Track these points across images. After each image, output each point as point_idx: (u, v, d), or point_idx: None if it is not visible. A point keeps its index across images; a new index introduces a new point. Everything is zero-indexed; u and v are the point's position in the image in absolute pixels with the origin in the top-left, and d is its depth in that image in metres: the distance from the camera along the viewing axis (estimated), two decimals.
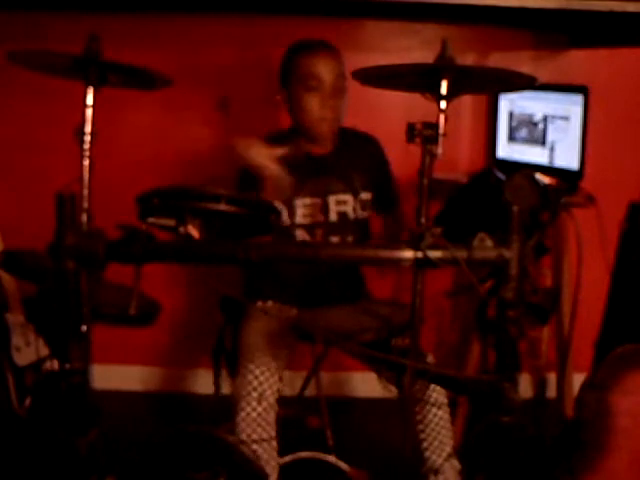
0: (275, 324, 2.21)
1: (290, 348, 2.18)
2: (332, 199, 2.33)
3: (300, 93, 2.26)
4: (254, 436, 2.04)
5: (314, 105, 2.25)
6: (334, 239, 2.33)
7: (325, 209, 2.33)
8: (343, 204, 2.35)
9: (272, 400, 2.08)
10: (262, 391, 2.06)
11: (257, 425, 2.05)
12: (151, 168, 2.93)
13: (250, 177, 2.02)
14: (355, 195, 2.36)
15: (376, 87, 1.79)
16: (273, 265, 2.31)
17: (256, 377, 2.07)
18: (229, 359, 2.29)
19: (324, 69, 2.24)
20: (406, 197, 2.86)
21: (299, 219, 2.31)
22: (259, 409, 2.05)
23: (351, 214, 2.36)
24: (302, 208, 2.31)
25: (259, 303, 2.34)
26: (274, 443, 2.09)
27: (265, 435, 2.05)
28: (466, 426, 2.56)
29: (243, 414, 2.05)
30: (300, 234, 2.31)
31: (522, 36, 2.95)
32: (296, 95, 2.27)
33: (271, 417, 2.08)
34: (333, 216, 2.34)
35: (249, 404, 2.06)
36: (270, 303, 2.35)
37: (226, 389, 2.32)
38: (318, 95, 2.24)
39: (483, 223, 1.54)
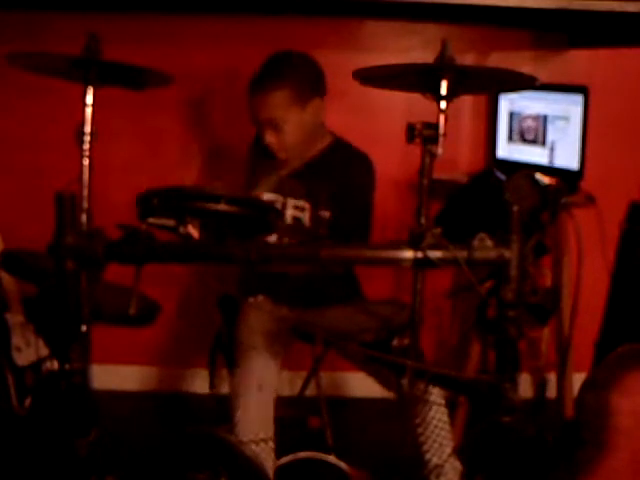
0: (270, 319, 2.21)
1: (286, 346, 2.19)
2: (291, 202, 2.31)
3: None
4: (253, 428, 2.04)
5: (263, 139, 2.30)
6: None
7: (283, 209, 2.31)
8: (300, 210, 2.33)
9: (271, 391, 2.09)
10: (261, 380, 2.07)
11: (256, 415, 2.06)
12: (151, 168, 2.93)
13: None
14: (314, 207, 2.30)
15: (376, 87, 1.79)
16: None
17: (255, 369, 2.08)
18: (227, 356, 2.30)
19: (258, 110, 2.27)
20: (406, 197, 2.88)
21: None
22: (258, 397, 2.06)
23: (306, 223, 2.32)
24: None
25: (250, 299, 2.34)
26: (271, 443, 2.08)
27: (263, 431, 2.05)
28: (466, 426, 2.56)
29: (242, 401, 2.06)
30: None
31: (522, 36, 2.94)
32: None
33: (270, 410, 2.08)
34: (288, 218, 2.31)
35: (249, 391, 2.06)
36: (261, 298, 2.34)
37: (224, 389, 2.32)
38: (261, 132, 2.30)
39: (483, 223, 1.54)
